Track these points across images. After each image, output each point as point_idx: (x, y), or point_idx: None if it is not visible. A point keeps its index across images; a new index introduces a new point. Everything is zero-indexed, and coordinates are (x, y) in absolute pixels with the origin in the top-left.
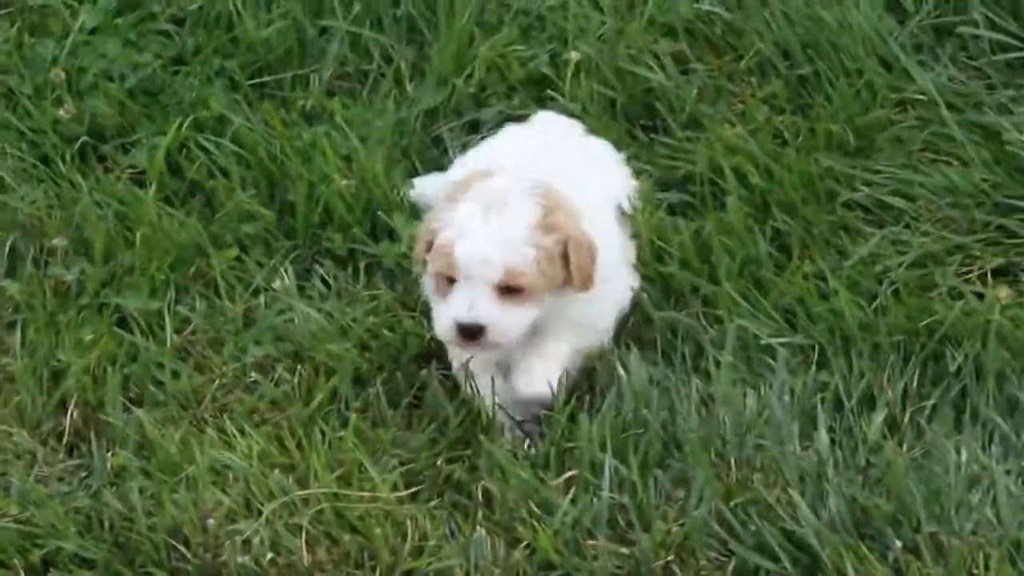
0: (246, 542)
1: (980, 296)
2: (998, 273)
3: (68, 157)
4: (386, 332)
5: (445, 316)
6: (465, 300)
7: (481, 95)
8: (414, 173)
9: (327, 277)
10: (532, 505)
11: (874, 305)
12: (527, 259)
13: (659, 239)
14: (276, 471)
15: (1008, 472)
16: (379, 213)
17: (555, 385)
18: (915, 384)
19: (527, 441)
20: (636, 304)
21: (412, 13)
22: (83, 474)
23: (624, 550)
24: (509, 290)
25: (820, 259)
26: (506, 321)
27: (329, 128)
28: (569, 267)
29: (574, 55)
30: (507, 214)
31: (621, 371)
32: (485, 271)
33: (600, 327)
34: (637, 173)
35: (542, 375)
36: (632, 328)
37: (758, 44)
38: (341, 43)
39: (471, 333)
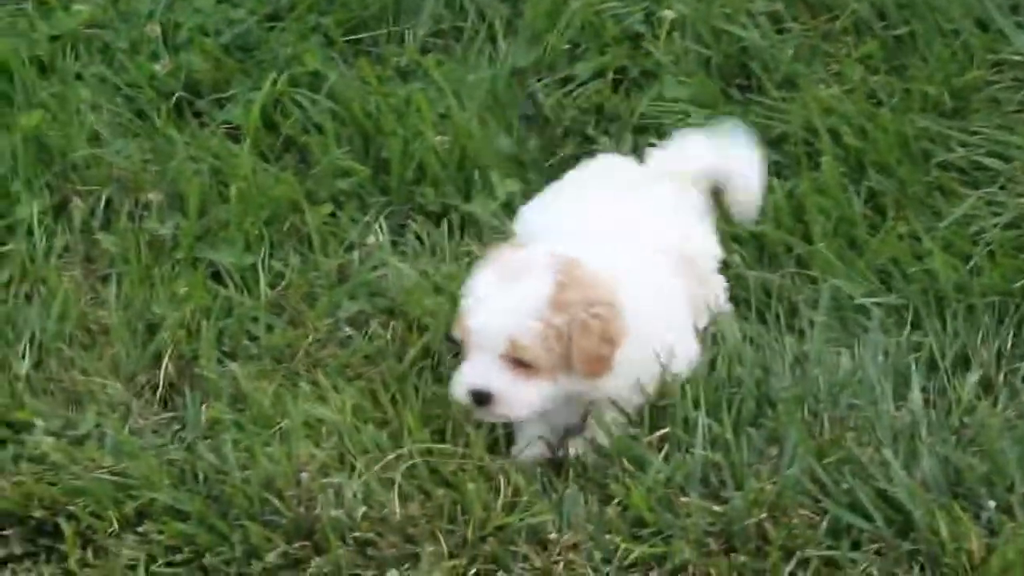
0: (339, 496)
1: None
2: None
3: (163, 112)
4: None
5: (458, 380)
6: (476, 367)
7: (575, 51)
8: (507, 129)
9: (421, 233)
10: (625, 462)
11: (969, 266)
12: (533, 334)
13: None
14: (369, 426)
15: None
16: (473, 169)
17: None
18: (1009, 345)
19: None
20: (728, 265)
21: None
22: (177, 427)
23: (717, 508)
24: (520, 363)
25: (915, 219)
26: (514, 393)
27: (423, 85)
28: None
29: (668, 13)
30: (519, 286)
31: (715, 330)
32: (491, 341)
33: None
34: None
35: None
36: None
37: (853, 4)
38: (436, 0)
39: (480, 399)
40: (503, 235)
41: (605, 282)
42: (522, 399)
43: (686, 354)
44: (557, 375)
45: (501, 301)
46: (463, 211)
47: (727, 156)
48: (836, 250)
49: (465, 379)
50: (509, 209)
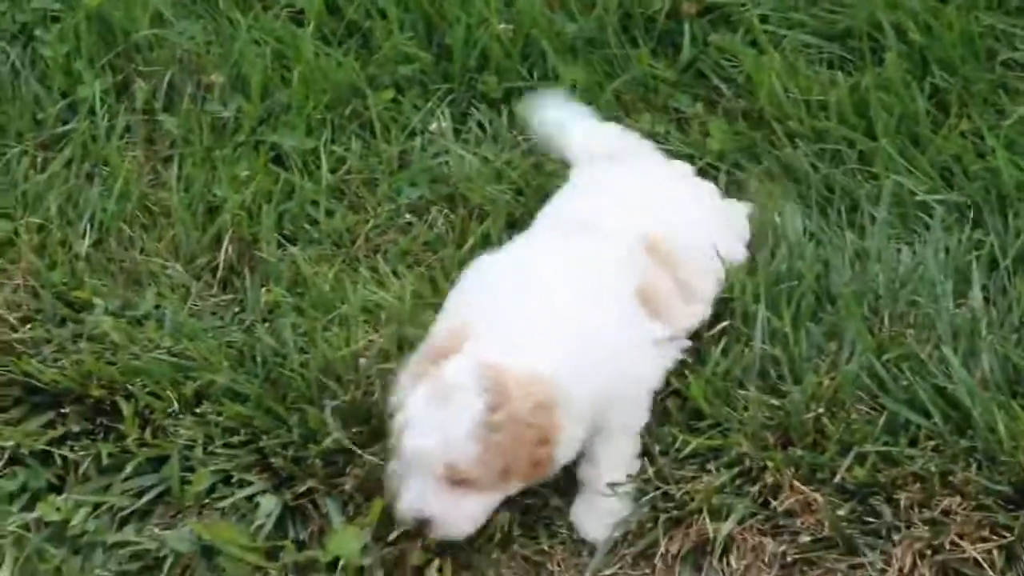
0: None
1: None
2: None
3: None
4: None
5: (401, 500)
6: (414, 489)
7: None
8: (571, 17)
9: (483, 121)
10: (684, 355)
11: None
12: (468, 457)
13: (816, 94)
14: (428, 312)
15: None
16: (537, 57)
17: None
18: None
19: None
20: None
21: None
22: (236, 309)
23: (774, 401)
24: (460, 481)
25: (978, 117)
26: (455, 514)
27: None
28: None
29: None
30: (451, 408)
31: (777, 223)
32: (428, 464)
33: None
34: None
35: (601, 523)
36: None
37: None
38: None
39: (421, 523)
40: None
41: (536, 381)
42: (463, 518)
43: (641, 372)
44: (499, 487)
45: (434, 424)
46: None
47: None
48: (899, 147)
49: (404, 503)
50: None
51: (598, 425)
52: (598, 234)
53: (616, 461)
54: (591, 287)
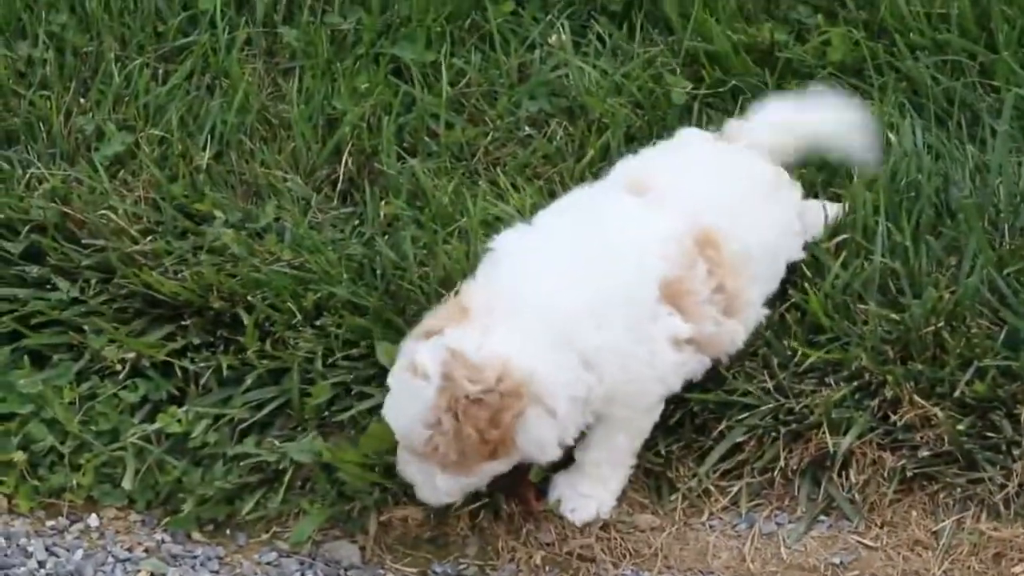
0: None
1: None
2: None
3: None
4: (652, 86)
5: None
6: (401, 455)
7: None
8: None
9: (602, 33)
10: (804, 268)
11: None
12: (421, 440)
13: (938, 6)
14: None
15: None
16: None
17: (606, 511)
18: None
19: None
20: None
21: None
22: (356, 222)
23: (894, 315)
24: (425, 457)
25: None
26: (429, 484)
27: None
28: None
29: None
30: (412, 389)
31: (894, 137)
32: (400, 439)
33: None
34: None
35: (579, 506)
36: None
37: None
38: None
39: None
40: None
41: (490, 366)
42: (437, 490)
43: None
44: (465, 469)
45: (399, 403)
46: (646, 11)
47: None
48: (1020, 59)
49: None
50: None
51: (601, 413)
52: (646, 199)
53: (607, 453)
54: (603, 275)
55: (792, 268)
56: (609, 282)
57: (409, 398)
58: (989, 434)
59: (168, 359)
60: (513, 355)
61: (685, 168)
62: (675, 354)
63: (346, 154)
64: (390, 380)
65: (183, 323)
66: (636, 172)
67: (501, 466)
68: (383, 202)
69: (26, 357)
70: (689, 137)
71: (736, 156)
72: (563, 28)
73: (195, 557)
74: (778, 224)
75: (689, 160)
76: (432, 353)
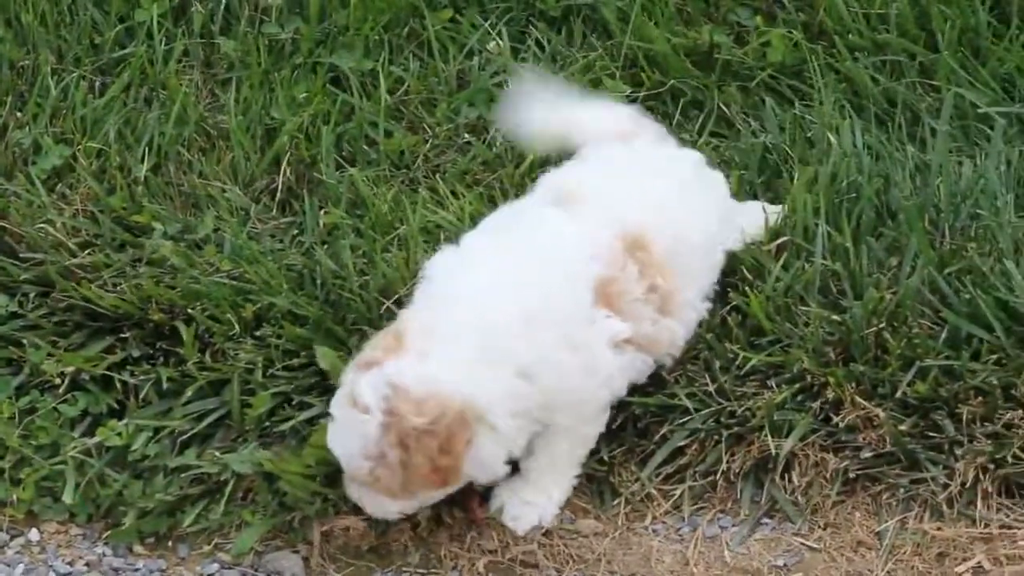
0: None
1: None
2: None
3: None
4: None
5: None
6: (345, 480)
7: None
8: None
9: (541, 39)
10: (744, 271)
11: None
12: (364, 472)
13: (877, 7)
14: None
15: None
16: None
17: (548, 520)
18: None
19: None
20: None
21: None
22: (295, 232)
23: (836, 317)
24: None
25: None
26: (377, 505)
27: None
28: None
29: None
30: (354, 423)
31: (834, 138)
32: (344, 467)
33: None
34: None
35: (522, 513)
36: (848, 98)
37: None
38: None
39: None
40: None
41: (431, 396)
42: (385, 511)
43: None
44: (410, 495)
45: (341, 434)
46: (584, 14)
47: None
48: (960, 59)
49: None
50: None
51: (544, 422)
52: (573, 209)
53: (550, 461)
54: (534, 284)
55: (732, 269)
56: (540, 292)
57: (350, 431)
58: (931, 434)
59: (108, 372)
60: (450, 381)
61: (607, 174)
62: (616, 356)
63: (285, 164)
64: (332, 409)
65: (122, 336)
66: (559, 184)
67: (447, 491)
68: (322, 211)
69: None
70: (601, 144)
71: (654, 152)
72: (502, 34)
73: (137, 570)
74: (708, 213)
75: (610, 165)
76: (372, 386)
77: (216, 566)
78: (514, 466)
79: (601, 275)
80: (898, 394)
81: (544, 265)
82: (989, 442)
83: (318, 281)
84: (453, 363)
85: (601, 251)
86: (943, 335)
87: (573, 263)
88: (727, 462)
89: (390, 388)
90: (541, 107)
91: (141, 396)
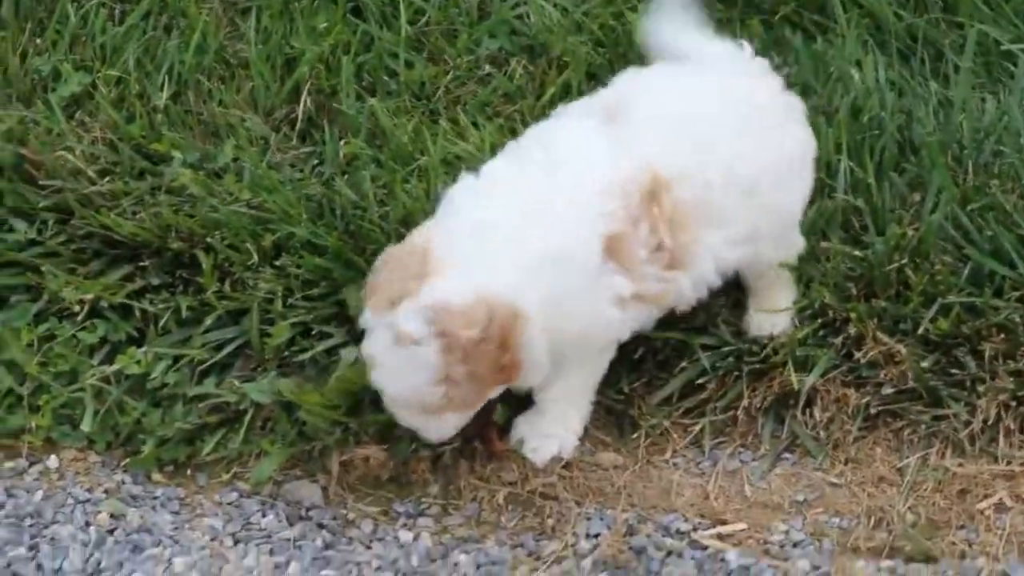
0: None
1: None
2: None
3: None
4: (613, 23)
5: None
6: (398, 414)
7: None
8: None
9: None
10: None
11: None
12: (436, 397)
13: None
14: None
15: None
16: None
17: (568, 450)
18: None
19: None
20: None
21: None
22: (315, 161)
23: (857, 252)
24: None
25: None
26: (437, 427)
27: None
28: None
29: None
30: (410, 356)
31: (856, 73)
32: (402, 404)
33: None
34: None
35: (551, 447)
36: (871, 33)
37: None
38: None
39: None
40: None
41: (478, 303)
42: (445, 430)
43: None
44: (476, 401)
45: (398, 372)
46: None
47: None
48: None
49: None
50: None
51: (556, 354)
52: (613, 130)
53: (565, 391)
54: (546, 230)
55: None
56: (554, 238)
57: (408, 367)
58: (953, 371)
59: (126, 300)
60: (491, 285)
61: (664, 99)
62: (618, 311)
63: (305, 93)
64: (373, 354)
65: (141, 264)
66: (616, 96)
67: (504, 388)
68: (342, 142)
69: None
70: (714, 56)
71: (739, 81)
72: None
73: (155, 498)
74: (767, 160)
75: (675, 91)
76: (414, 317)
77: (235, 495)
78: (528, 401)
79: (611, 231)
80: (920, 330)
81: (560, 208)
82: (1011, 379)
83: (338, 211)
84: (490, 272)
85: (615, 203)
86: (965, 272)
87: (588, 209)
88: (748, 397)
89: (432, 312)
90: (677, 27)
91: (160, 324)
